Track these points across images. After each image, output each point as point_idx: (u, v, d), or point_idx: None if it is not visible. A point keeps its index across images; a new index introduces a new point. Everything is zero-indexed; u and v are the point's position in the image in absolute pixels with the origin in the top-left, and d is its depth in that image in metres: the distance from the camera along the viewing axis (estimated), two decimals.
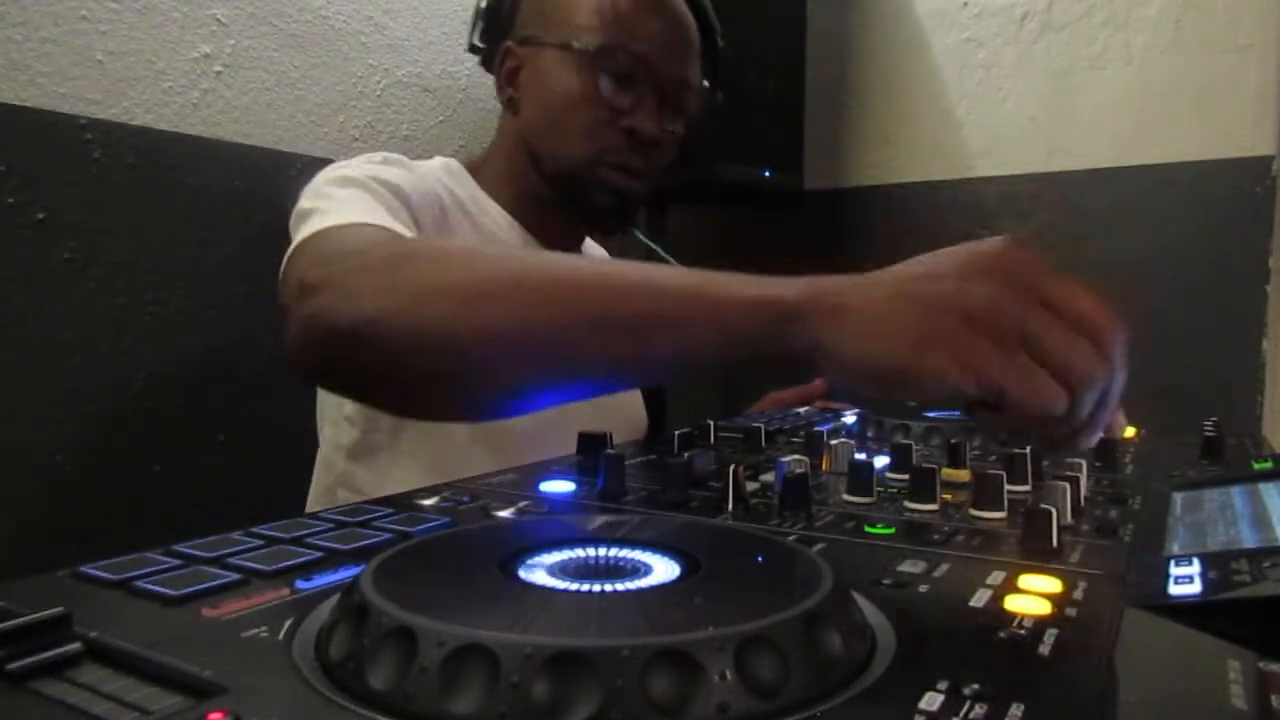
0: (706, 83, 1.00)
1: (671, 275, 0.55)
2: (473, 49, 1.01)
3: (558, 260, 0.63)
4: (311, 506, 0.95)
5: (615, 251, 1.28)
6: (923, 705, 0.27)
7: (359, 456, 0.90)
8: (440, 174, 0.95)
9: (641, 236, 1.27)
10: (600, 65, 0.90)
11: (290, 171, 1.22)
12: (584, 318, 0.53)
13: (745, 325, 0.51)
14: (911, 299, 0.47)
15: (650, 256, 1.45)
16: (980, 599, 0.38)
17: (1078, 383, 0.44)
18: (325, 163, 1.29)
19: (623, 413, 1.06)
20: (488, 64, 1.00)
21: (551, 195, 0.96)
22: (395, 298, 0.57)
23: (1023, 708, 0.27)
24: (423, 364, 0.57)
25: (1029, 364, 0.44)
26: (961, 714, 0.27)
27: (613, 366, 0.55)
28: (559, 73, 0.92)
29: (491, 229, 0.96)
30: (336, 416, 0.92)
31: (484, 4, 0.99)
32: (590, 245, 1.19)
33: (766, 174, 1.50)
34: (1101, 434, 0.50)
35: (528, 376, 0.56)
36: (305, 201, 0.76)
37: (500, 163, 0.99)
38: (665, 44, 0.93)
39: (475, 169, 1.00)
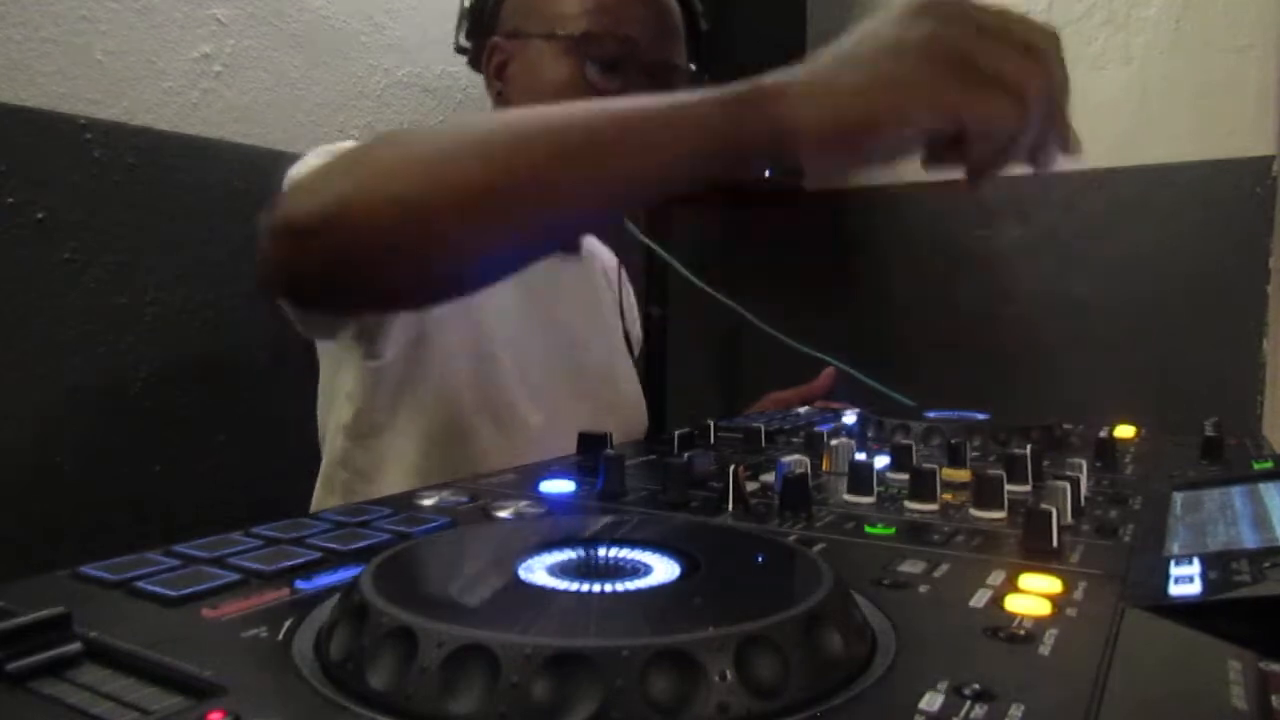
0: (692, 65, 1.00)
1: (631, 102, 0.55)
2: (460, 49, 1.01)
3: (515, 114, 0.63)
4: (318, 493, 0.95)
5: (615, 251, 1.28)
6: (923, 705, 0.27)
7: (357, 436, 0.90)
8: None
9: (642, 237, 1.27)
10: (587, 51, 0.91)
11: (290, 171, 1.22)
12: (555, 156, 0.53)
13: (710, 127, 0.51)
14: (857, 57, 0.48)
15: (650, 256, 1.45)
16: (980, 599, 0.38)
17: (1025, 91, 0.46)
18: None
19: (623, 412, 1.06)
20: (475, 63, 1.01)
21: None
22: (355, 180, 0.56)
23: (1023, 708, 0.27)
24: (394, 240, 0.54)
25: (978, 84, 0.46)
26: (961, 714, 0.27)
27: (591, 200, 0.55)
28: (546, 62, 0.92)
29: None
30: (337, 394, 0.92)
31: (468, 3, 0.99)
32: (590, 240, 1.19)
33: (766, 174, 1.50)
34: (1059, 153, 0.51)
35: (504, 231, 0.55)
36: (292, 169, 0.76)
37: None
38: (651, 27, 0.94)
39: None
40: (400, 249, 0.55)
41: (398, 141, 0.61)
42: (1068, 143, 0.52)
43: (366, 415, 0.89)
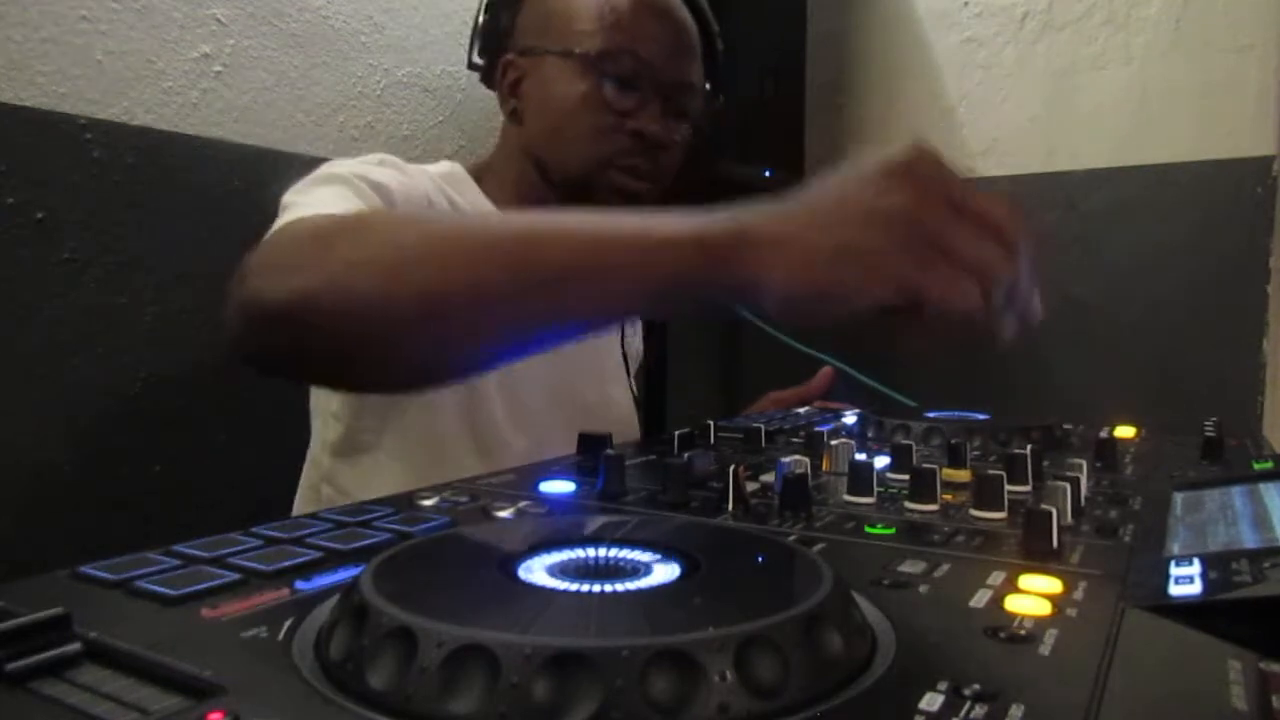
0: (708, 85, 1.00)
1: (592, 222, 0.54)
2: (473, 66, 1.00)
3: (481, 220, 0.65)
4: (298, 503, 0.95)
5: None
6: (923, 705, 0.27)
7: (343, 454, 0.90)
8: (440, 178, 0.95)
9: None
10: (604, 69, 0.90)
11: (290, 171, 1.22)
12: (502, 276, 0.53)
13: (681, 270, 0.50)
14: (830, 217, 0.49)
15: None
16: (980, 599, 0.38)
17: (988, 277, 0.47)
18: (325, 163, 1.29)
19: (609, 417, 1.05)
20: (488, 80, 1.00)
21: (560, 203, 0.96)
22: (320, 274, 0.56)
23: (1023, 708, 0.27)
24: (353, 337, 0.56)
25: (944, 266, 0.47)
26: (961, 714, 0.27)
27: (538, 322, 0.54)
28: (562, 79, 0.92)
29: None
30: (324, 412, 0.92)
31: (482, 20, 0.99)
32: None
33: (766, 174, 1.50)
34: (1017, 325, 0.52)
35: (456, 341, 0.56)
36: (286, 197, 0.76)
37: (505, 172, 0.99)
38: (667, 46, 0.93)
39: (479, 175, 1.00)
40: (361, 347, 0.56)
41: (359, 228, 0.62)
42: (1028, 316, 0.52)
43: (353, 435, 0.89)
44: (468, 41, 1.01)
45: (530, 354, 0.59)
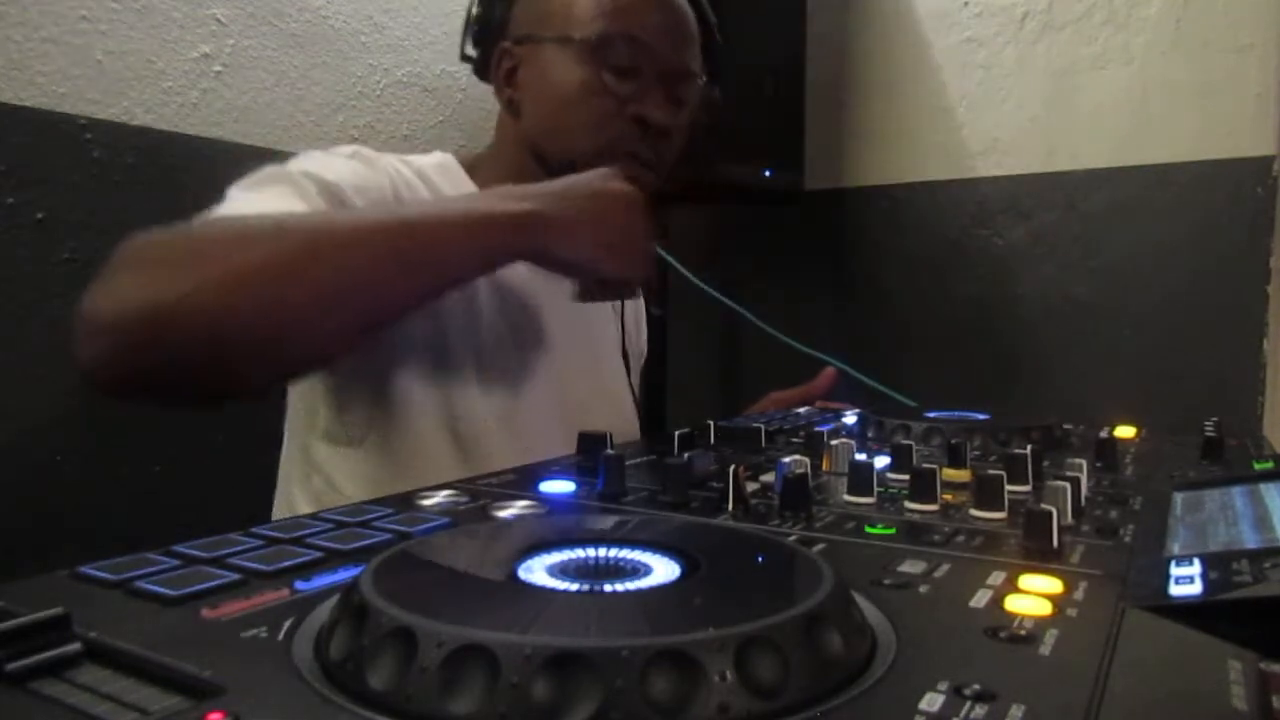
0: (706, 76, 1.00)
1: (436, 211, 0.75)
2: (466, 58, 1.00)
3: (346, 215, 0.75)
4: (284, 497, 0.93)
5: None
6: (923, 705, 0.27)
7: (336, 443, 0.89)
8: (431, 169, 0.94)
9: None
10: (603, 55, 0.90)
11: None
12: (372, 267, 0.66)
13: (495, 244, 0.72)
14: (583, 212, 0.74)
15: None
16: (980, 599, 0.38)
17: (648, 258, 0.81)
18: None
19: (607, 414, 1.04)
20: (481, 71, 1.00)
21: None
22: (176, 287, 0.62)
23: (1023, 708, 0.27)
24: (212, 345, 0.62)
25: (640, 257, 0.80)
26: (961, 714, 0.27)
27: (404, 298, 0.70)
28: (561, 66, 0.91)
29: None
30: (310, 403, 0.90)
31: (475, 11, 0.98)
32: None
33: (766, 174, 1.50)
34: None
35: (340, 325, 0.67)
36: (230, 189, 0.78)
37: (501, 163, 0.99)
38: (666, 32, 0.93)
39: (472, 167, 0.99)
40: (223, 350, 0.63)
41: (222, 237, 0.69)
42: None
43: (345, 427, 0.88)
44: (461, 34, 1.00)
45: (388, 320, 0.74)
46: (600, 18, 0.90)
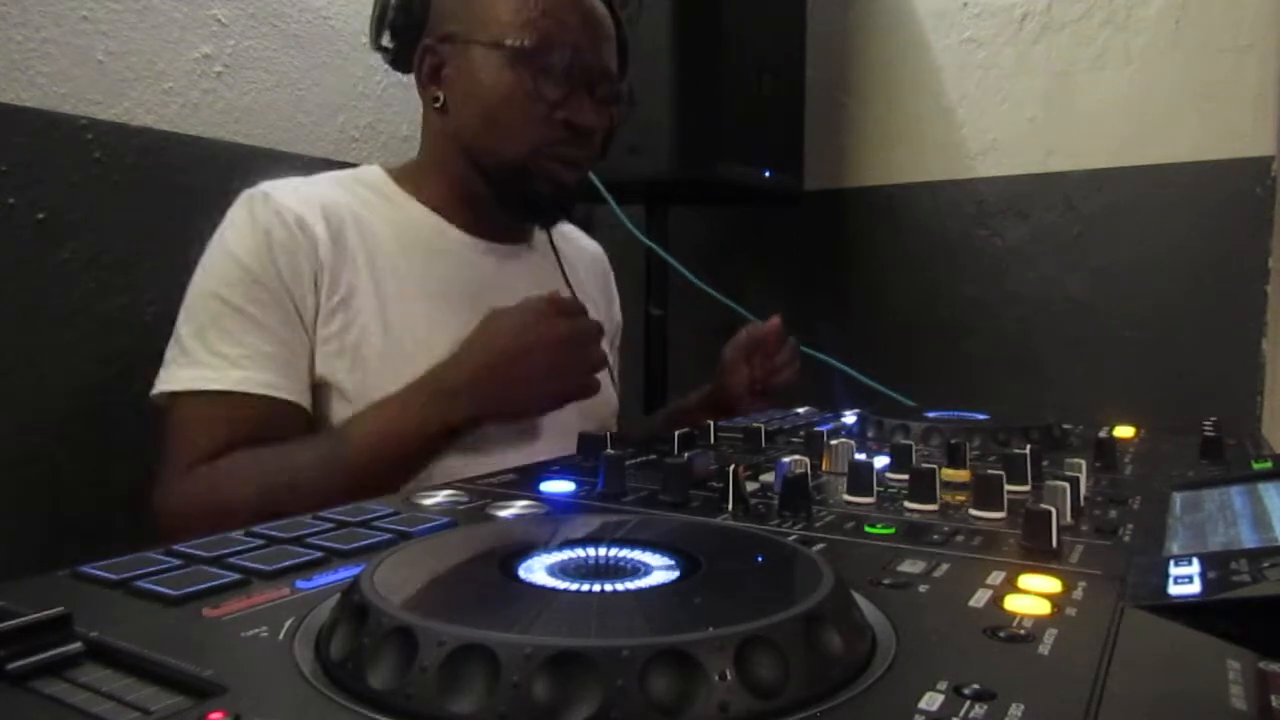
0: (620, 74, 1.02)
1: (378, 430, 0.84)
2: (379, 48, 0.99)
3: (318, 455, 0.84)
4: None
5: (618, 253, 1.28)
6: (923, 705, 0.28)
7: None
8: (354, 182, 0.98)
9: (642, 237, 1.27)
10: (535, 61, 0.92)
11: (290, 172, 1.22)
12: (339, 483, 0.77)
13: (429, 446, 0.86)
14: (513, 381, 0.86)
15: (650, 256, 1.45)
16: (980, 599, 0.38)
17: (584, 365, 0.90)
18: (325, 163, 1.29)
19: (595, 417, 1.05)
20: (398, 64, 1.00)
21: (490, 191, 0.98)
22: (221, 498, 0.82)
23: (1023, 708, 0.27)
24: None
25: (573, 375, 0.90)
26: (961, 714, 0.27)
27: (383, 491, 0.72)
28: (492, 70, 0.93)
29: (406, 222, 0.98)
30: (330, 397, 0.92)
31: (392, 2, 0.97)
32: (574, 234, 1.19)
33: (766, 174, 1.50)
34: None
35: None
36: (181, 326, 0.89)
37: (428, 164, 1.01)
38: (590, 37, 0.95)
39: (402, 173, 1.01)
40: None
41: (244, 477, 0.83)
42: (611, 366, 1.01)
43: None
44: (371, 24, 0.98)
45: None
46: (530, 24, 0.92)
